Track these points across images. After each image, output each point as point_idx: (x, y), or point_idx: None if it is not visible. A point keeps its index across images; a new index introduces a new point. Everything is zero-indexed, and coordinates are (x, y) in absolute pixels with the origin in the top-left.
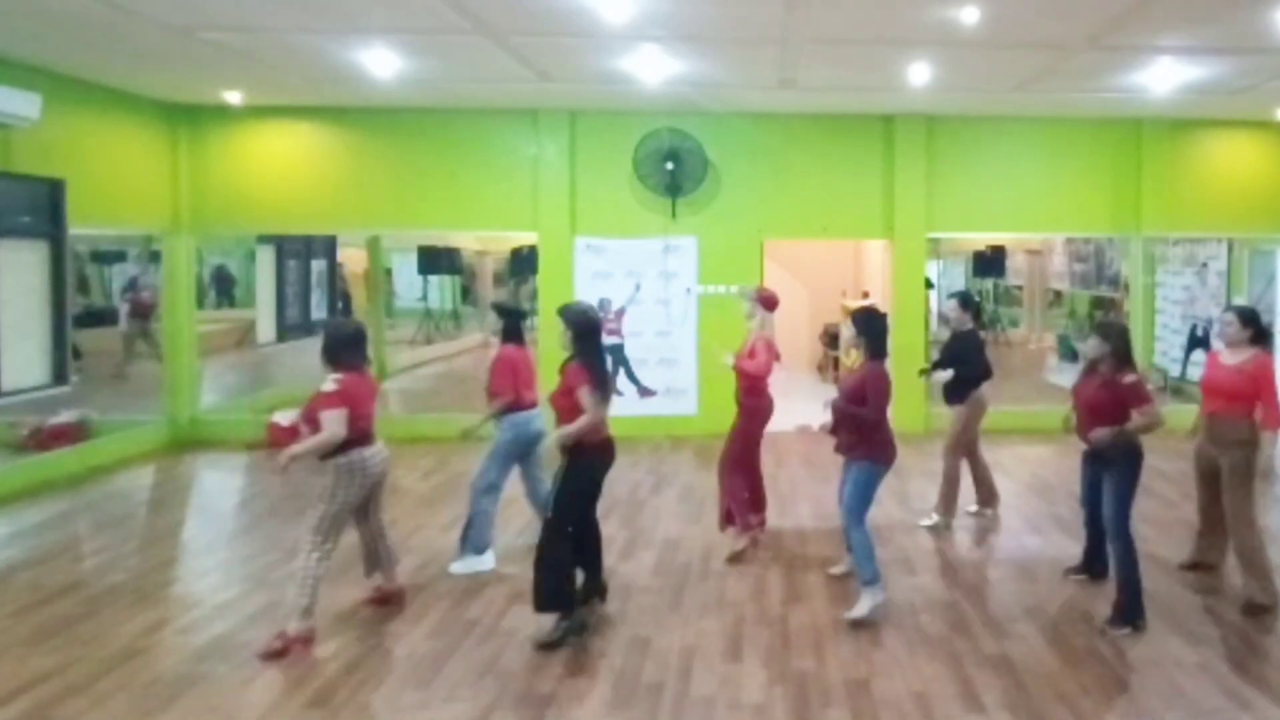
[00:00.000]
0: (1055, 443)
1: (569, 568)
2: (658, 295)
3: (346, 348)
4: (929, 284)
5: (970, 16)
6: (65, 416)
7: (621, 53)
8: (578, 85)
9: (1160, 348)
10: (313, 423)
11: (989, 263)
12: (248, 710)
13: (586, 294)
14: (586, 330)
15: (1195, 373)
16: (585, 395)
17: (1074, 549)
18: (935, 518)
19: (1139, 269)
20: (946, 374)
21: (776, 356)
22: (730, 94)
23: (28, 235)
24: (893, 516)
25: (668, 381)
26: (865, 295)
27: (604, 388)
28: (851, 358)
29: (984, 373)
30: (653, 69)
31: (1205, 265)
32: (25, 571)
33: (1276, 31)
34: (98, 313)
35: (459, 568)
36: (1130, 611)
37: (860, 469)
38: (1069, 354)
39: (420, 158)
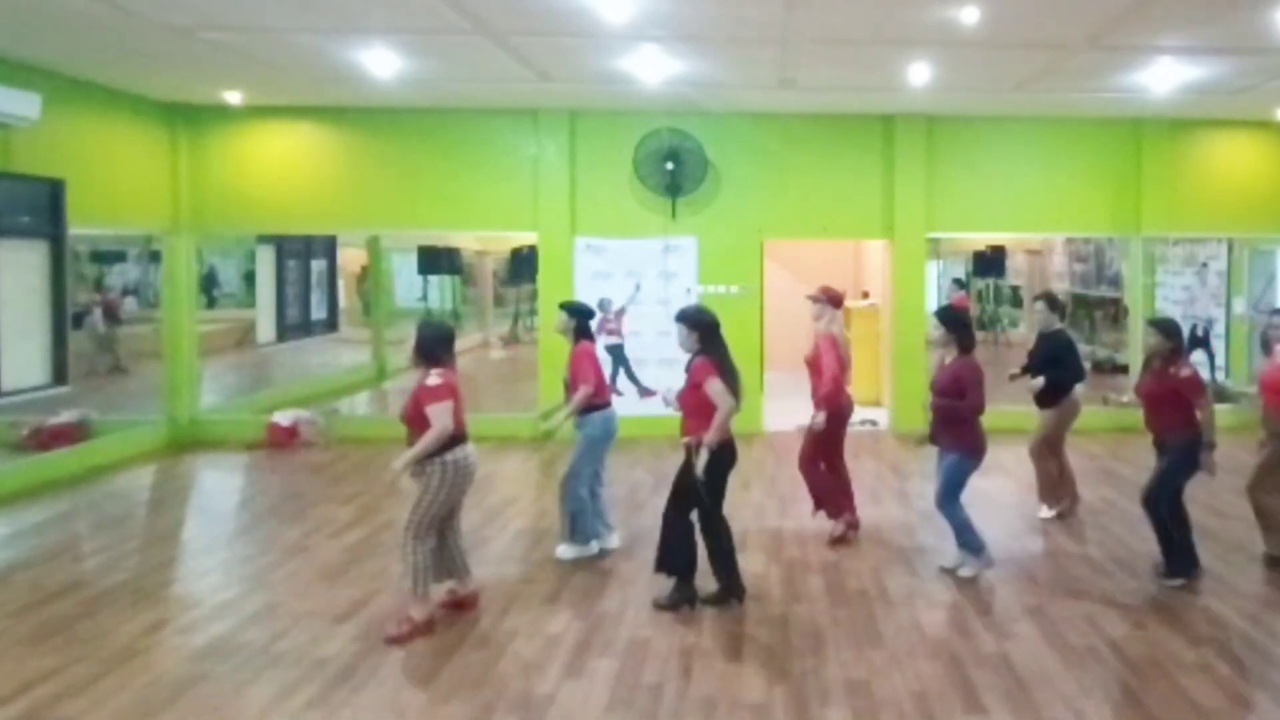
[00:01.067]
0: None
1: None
2: (658, 295)
3: (441, 345)
4: (962, 284)
5: (970, 16)
6: (65, 416)
7: (621, 53)
8: (578, 85)
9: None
10: (415, 422)
11: (989, 263)
12: (248, 710)
13: (586, 294)
14: (709, 328)
15: None
16: (714, 386)
17: (1074, 548)
18: (1049, 511)
19: (1139, 269)
20: (1038, 382)
21: (840, 352)
22: (730, 94)
23: (28, 235)
24: (895, 517)
25: (668, 381)
26: (865, 295)
27: (731, 381)
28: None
29: (1076, 374)
30: (653, 69)
31: (1205, 265)
32: (25, 571)
33: (1276, 31)
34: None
35: (566, 551)
36: (1181, 564)
37: (952, 460)
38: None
39: (420, 158)
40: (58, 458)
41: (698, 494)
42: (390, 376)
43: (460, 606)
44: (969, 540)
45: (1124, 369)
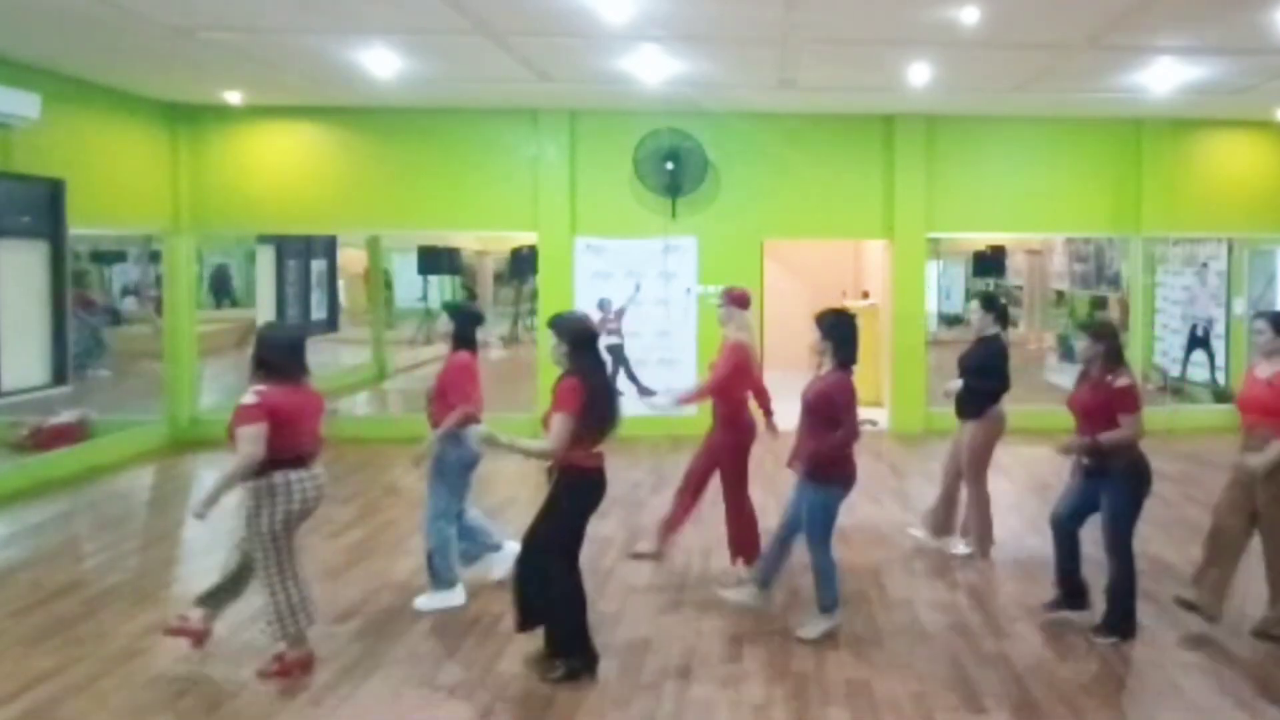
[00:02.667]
0: (1055, 443)
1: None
2: (658, 295)
3: (278, 357)
4: (992, 304)
5: (970, 16)
6: (65, 416)
7: (621, 53)
8: (578, 85)
9: (1160, 348)
10: (235, 441)
11: (989, 263)
12: (248, 710)
13: (586, 294)
14: (582, 340)
15: (1195, 373)
16: (556, 423)
17: None
18: (966, 548)
19: (1139, 269)
20: (955, 384)
21: (743, 360)
22: (730, 94)
23: (28, 235)
24: (894, 518)
25: (668, 381)
26: (865, 295)
27: (599, 407)
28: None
29: (1002, 384)
30: (653, 69)
31: (1205, 265)
32: (25, 571)
33: (1276, 31)
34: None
35: (424, 603)
36: (1119, 623)
37: (817, 491)
38: (1069, 354)
39: (420, 158)
40: (58, 458)
41: (550, 532)
42: (390, 376)
43: (281, 673)
44: (828, 593)
45: None
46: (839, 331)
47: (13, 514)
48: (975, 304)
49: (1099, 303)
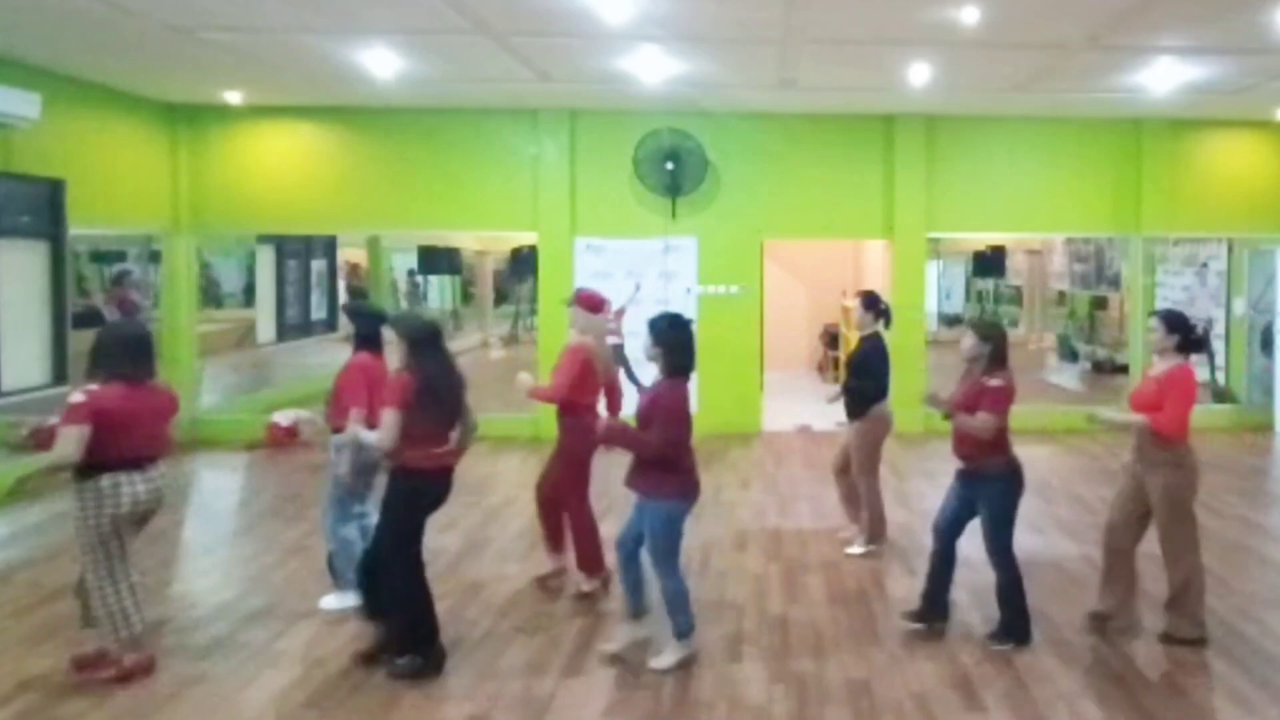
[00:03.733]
0: (1055, 443)
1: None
2: (658, 295)
3: (114, 354)
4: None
5: (970, 16)
6: None
7: (621, 53)
8: (578, 85)
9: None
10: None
11: (989, 263)
12: (248, 710)
13: None
14: (420, 340)
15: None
16: (385, 420)
17: (1073, 549)
18: (860, 548)
19: (1139, 269)
20: (833, 390)
21: (585, 364)
22: (730, 94)
23: (28, 235)
24: (894, 518)
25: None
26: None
27: (439, 407)
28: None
29: (881, 384)
30: (653, 69)
31: (1205, 265)
32: (25, 571)
33: (1276, 31)
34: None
35: (328, 603)
36: (1013, 629)
37: (657, 509)
38: (1069, 354)
39: (420, 158)
40: None
41: (385, 531)
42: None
43: (90, 665)
44: (681, 619)
45: (1124, 369)
46: (669, 337)
47: (13, 514)
48: (856, 302)
49: (1099, 302)
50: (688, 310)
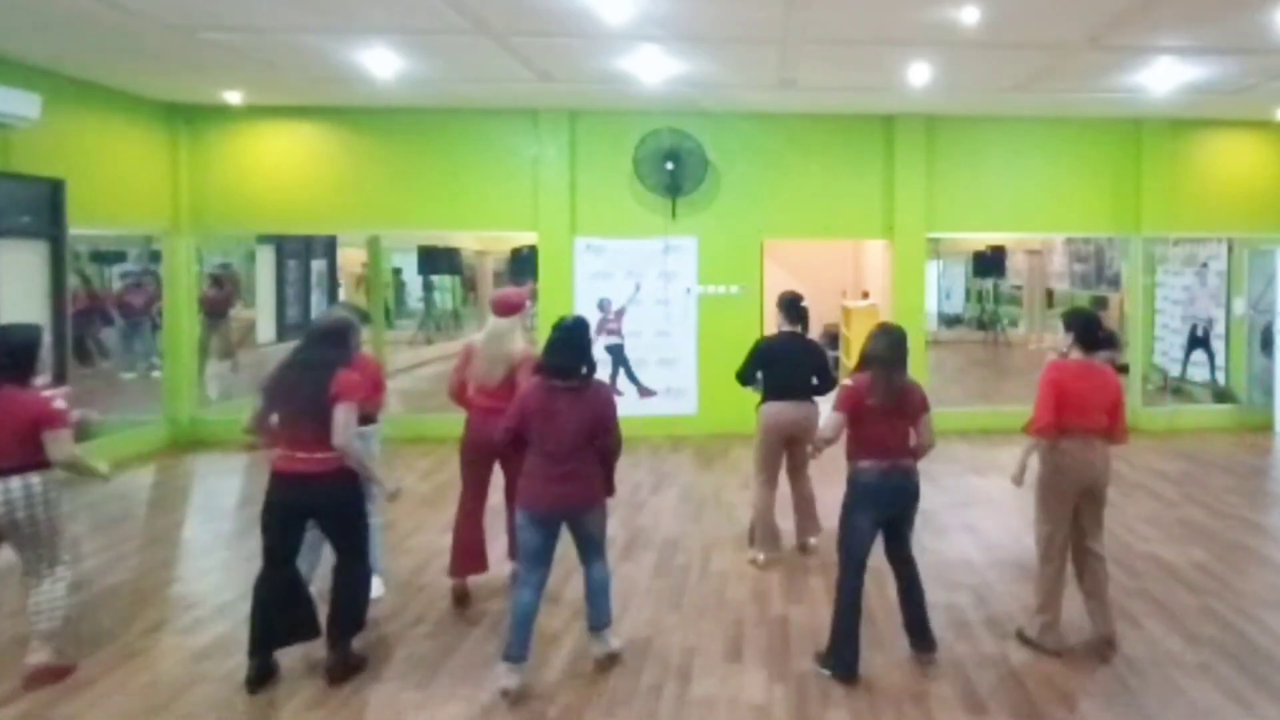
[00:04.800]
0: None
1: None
2: (658, 295)
3: (14, 355)
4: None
5: (970, 16)
6: None
7: (621, 53)
8: (578, 85)
9: (1160, 348)
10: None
11: (989, 263)
12: (248, 710)
13: (586, 294)
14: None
15: (1195, 373)
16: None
17: None
18: (762, 555)
19: (1139, 269)
20: (751, 388)
21: (462, 363)
22: (730, 94)
23: (28, 235)
24: None
25: (667, 381)
26: (865, 295)
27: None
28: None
29: (765, 386)
30: (653, 69)
31: (1205, 265)
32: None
33: (1276, 31)
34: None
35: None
36: (829, 651)
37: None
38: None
39: (420, 158)
40: None
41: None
42: (390, 376)
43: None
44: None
45: (1124, 369)
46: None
47: None
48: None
49: (1099, 302)
50: (688, 310)
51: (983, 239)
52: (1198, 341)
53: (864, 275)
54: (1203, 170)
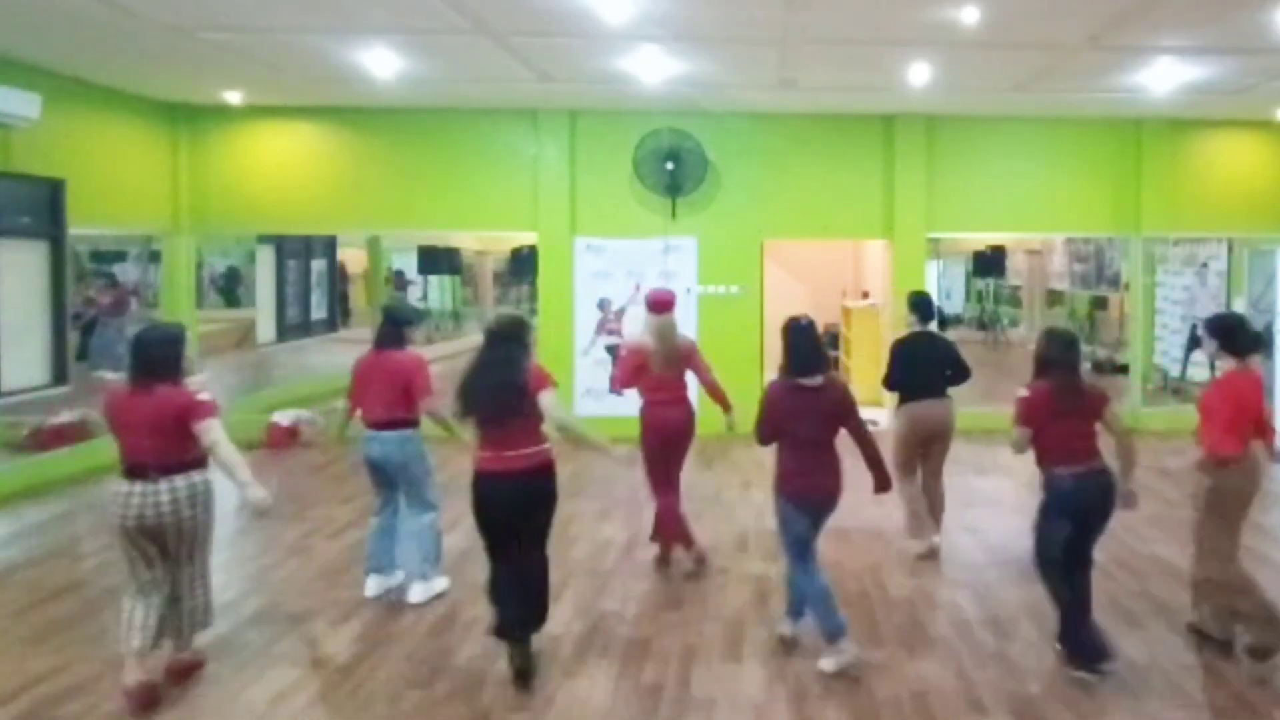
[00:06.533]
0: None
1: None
2: None
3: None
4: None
5: (970, 16)
6: (65, 416)
7: (621, 53)
8: (578, 85)
9: (1160, 347)
10: None
11: (989, 263)
12: (248, 710)
13: (586, 294)
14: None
15: (1195, 373)
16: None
17: None
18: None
19: (1139, 269)
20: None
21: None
22: (730, 94)
23: (28, 235)
24: (894, 517)
25: None
26: (865, 295)
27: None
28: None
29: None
30: (653, 69)
31: (1205, 265)
32: (25, 571)
33: (1276, 31)
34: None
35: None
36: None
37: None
38: None
39: (420, 158)
40: (58, 458)
41: None
42: None
43: (181, 675)
44: (820, 622)
45: (1124, 369)
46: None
47: (13, 514)
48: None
49: (1099, 302)
50: (688, 310)
51: (983, 239)
52: (1198, 341)
53: (864, 275)
54: (1203, 170)
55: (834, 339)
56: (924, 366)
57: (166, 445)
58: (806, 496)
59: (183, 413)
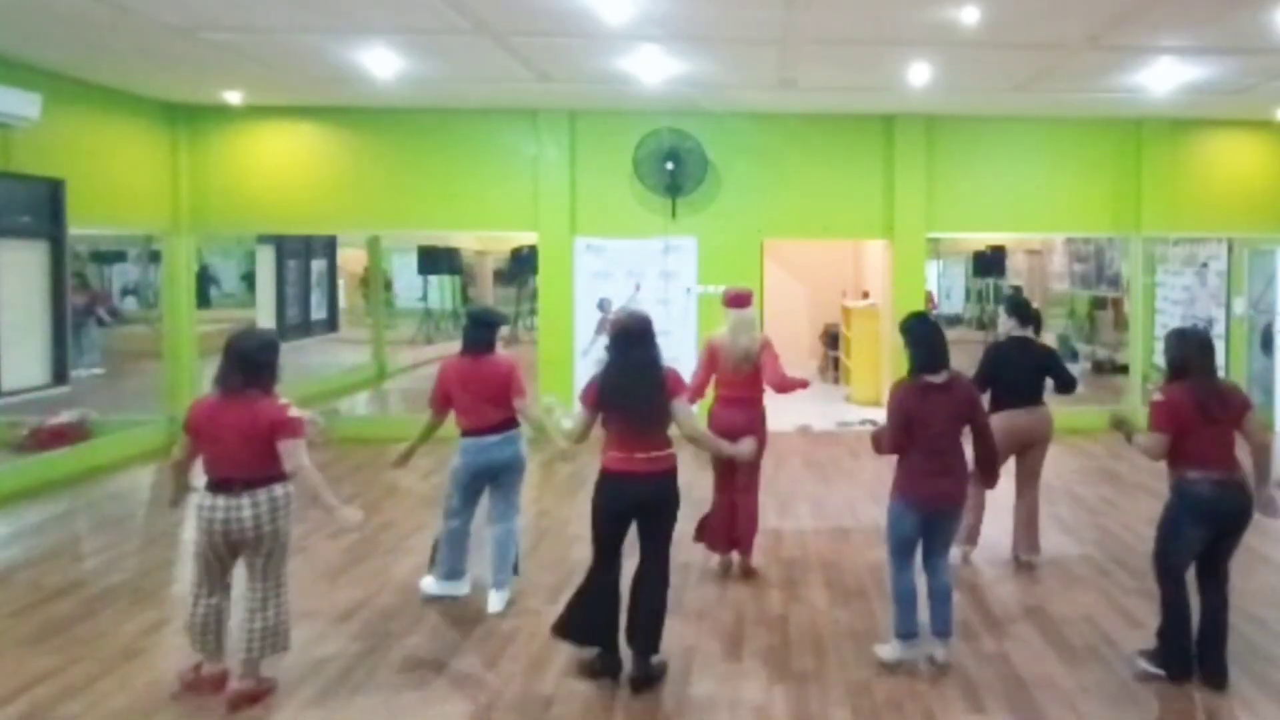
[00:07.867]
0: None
1: (582, 597)
2: (658, 295)
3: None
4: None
5: (970, 16)
6: (65, 416)
7: (621, 53)
8: (578, 85)
9: (1160, 348)
10: None
11: (989, 263)
12: (247, 711)
13: (586, 294)
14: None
15: None
16: None
17: (1074, 549)
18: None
19: (1139, 269)
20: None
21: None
22: (730, 94)
23: (28, 235)
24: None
25: None
26: (865, 295)
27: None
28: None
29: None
30: (653, 69)
31: (1205, 265)
32: (25, 571)
33: (1276, 31)
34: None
35: (428, 585)
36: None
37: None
38: (1069, 354)
39: (420, 158)
40: (58, 458)
41: None
42: (390, 376)
43: (194, 687)
44: (896, 619)
45: (1124, 369)
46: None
47: (13, 514)
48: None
49: (1099, 302)
50: (688, 310)
51: (983, 239)
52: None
53: (864, 275)
54: (1203, 170)
55: (834, 339)
56: (1019, 374)
57: (253, 458)
58: (926, 502)
59: (275, 427)
